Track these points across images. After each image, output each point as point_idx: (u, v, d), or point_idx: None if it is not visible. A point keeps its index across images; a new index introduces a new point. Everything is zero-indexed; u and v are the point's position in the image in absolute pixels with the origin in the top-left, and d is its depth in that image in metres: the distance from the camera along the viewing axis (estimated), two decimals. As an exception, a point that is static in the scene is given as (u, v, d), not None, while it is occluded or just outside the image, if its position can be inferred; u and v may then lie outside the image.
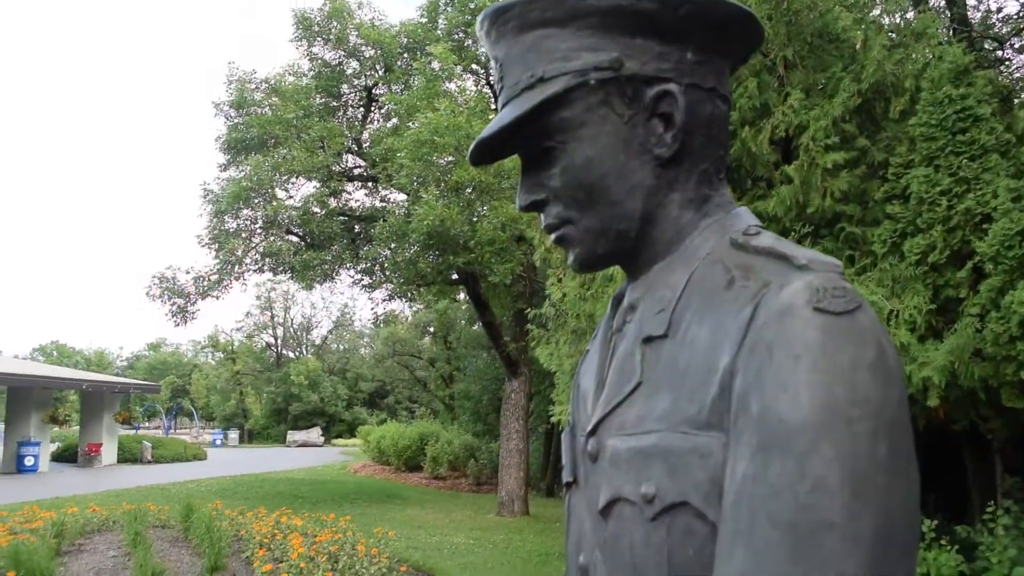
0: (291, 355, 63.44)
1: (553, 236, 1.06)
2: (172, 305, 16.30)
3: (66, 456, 29.85)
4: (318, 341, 65.42)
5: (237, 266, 15.66)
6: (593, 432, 0.99)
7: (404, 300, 19.53)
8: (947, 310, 5.84)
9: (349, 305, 71.38)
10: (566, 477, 1.08)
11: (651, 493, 0.86)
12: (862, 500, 0.70)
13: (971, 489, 7.11)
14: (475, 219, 13.35)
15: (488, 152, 1.07)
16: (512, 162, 13.00)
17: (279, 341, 63.49)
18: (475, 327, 28.32)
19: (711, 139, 1.00)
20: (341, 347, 64.66)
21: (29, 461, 24.57)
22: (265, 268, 15.81)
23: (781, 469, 0.72)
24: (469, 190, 13.40)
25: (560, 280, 7.65)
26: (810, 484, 0.70)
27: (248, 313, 77.46)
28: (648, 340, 0.94)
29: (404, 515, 15.06)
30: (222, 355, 63.71)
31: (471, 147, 1.05)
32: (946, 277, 5.82)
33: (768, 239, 0.92)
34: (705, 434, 0.82)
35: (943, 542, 5.78)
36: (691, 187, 1.00)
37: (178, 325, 16.78)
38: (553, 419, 8.48)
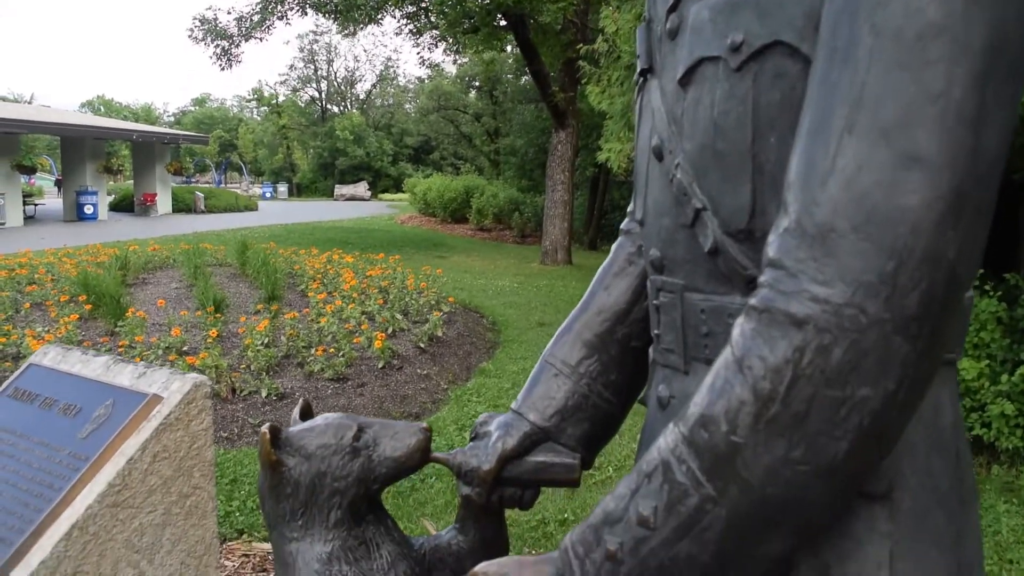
0: (336, 110, 63.09)
1: None
2: (216, 47, 16.01)
3: (123, 206, 30.84)
4: (362, 96, 64.72)
5: (279, 5, 15.13)
6: (674, 8, 0.93)
7: (450, 48, 18.93)
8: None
9: (392, 59, 69.96)
10: (641, 65, 1.03)
11: (739, 40, 0.81)
12: (977, 5, 0.63)
13: (1022, 240, 7.04)
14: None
15: None
16: None
17: (323, 95, 62.94)
18: (522, 80, 27.65)
19: None
20: (386, 102, 63.95)
21: (88, 209, 25.44)
22: (308, 9, 15.25)
23: None
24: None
25: (616, 10, 7.25)
26: None
27: (292, 66, 76.71)
28: None
29: (450, 261, 15.49)
30: (267, 109, 63.46)
31: None
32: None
33: None
34: None
35: (987, 287, 5.79)
36: None
37: (223, 69, 16.56)
38: (600, 158, 8.35)
